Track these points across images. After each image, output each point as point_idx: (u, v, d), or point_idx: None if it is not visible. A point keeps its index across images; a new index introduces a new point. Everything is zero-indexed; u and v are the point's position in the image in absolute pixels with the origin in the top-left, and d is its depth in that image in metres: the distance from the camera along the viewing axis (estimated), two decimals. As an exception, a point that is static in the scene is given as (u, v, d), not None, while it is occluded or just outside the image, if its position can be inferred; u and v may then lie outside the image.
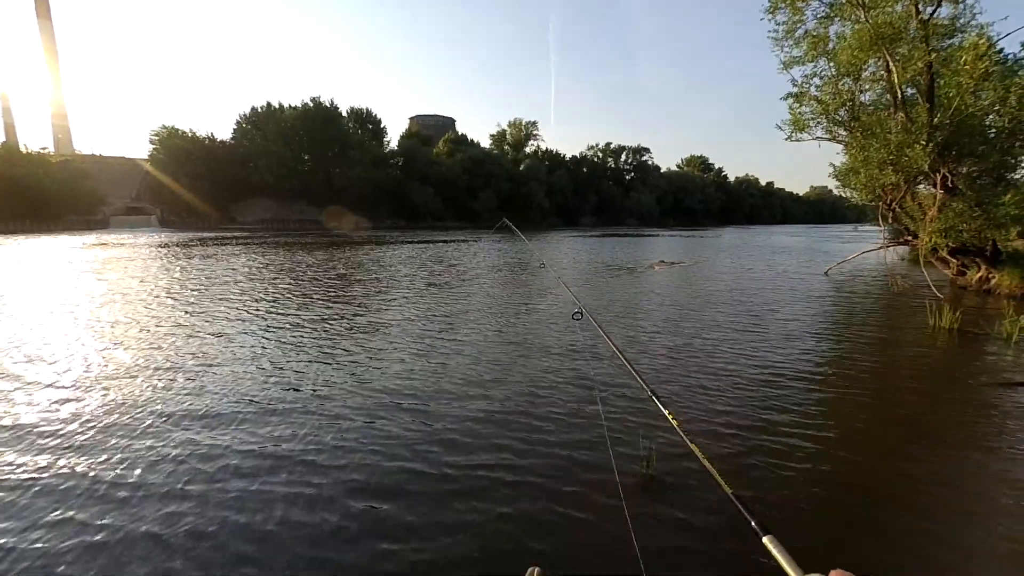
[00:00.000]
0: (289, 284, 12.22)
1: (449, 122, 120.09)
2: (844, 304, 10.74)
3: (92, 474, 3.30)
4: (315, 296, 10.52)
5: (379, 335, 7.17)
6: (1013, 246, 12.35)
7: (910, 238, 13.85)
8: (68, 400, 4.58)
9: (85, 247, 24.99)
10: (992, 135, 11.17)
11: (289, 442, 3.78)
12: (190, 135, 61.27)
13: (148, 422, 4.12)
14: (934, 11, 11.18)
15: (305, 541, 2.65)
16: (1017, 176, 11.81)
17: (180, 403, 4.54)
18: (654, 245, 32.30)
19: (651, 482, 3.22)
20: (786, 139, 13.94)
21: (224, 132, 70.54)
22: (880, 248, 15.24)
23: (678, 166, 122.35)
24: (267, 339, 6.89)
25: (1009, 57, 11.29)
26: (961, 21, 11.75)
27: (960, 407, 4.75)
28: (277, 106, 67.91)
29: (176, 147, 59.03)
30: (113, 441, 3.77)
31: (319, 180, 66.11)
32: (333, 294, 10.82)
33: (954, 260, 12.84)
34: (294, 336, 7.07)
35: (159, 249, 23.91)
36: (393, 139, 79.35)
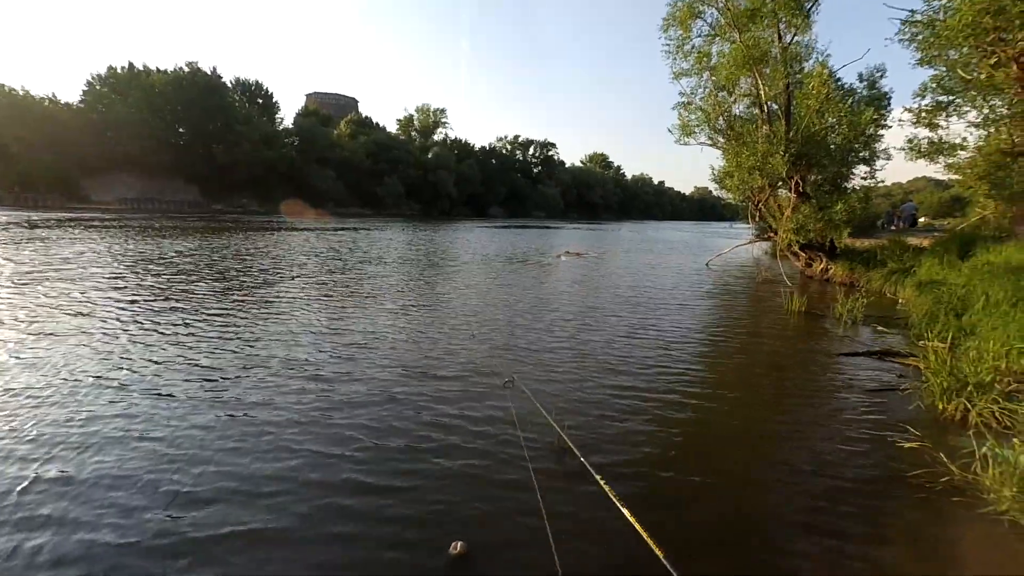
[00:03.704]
0: (153, 279, 10.79)
1: (351, 102, 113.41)
2: (720, 293, 12.21)
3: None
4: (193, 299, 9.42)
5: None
6: (846, 243, 14.96)
7: (772, 235, 16.14)
8: None
9: None
10: (833, 149, 13.37)
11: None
12: (21, 94, 50.62)
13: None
14: (792, 38, 13.05)
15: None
16: (848, 186, 14.25)
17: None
18: (561, 237, 33.76)
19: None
20: (675, 142, 15.46)
21: (71, 94, 59.43)
22: (749, 243, 17.59)
23: (582, 162, 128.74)
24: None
25: (845, 86, 13.58)
26: (818, 46, 13.79)
27: (807, 375, 5.72)
28: (142, 68, 58.83)
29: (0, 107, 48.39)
30: None
31: (198, 156, 58.76)
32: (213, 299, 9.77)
33: (803, 254, 15.22)
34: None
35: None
36: (288, 117, 73.21)
